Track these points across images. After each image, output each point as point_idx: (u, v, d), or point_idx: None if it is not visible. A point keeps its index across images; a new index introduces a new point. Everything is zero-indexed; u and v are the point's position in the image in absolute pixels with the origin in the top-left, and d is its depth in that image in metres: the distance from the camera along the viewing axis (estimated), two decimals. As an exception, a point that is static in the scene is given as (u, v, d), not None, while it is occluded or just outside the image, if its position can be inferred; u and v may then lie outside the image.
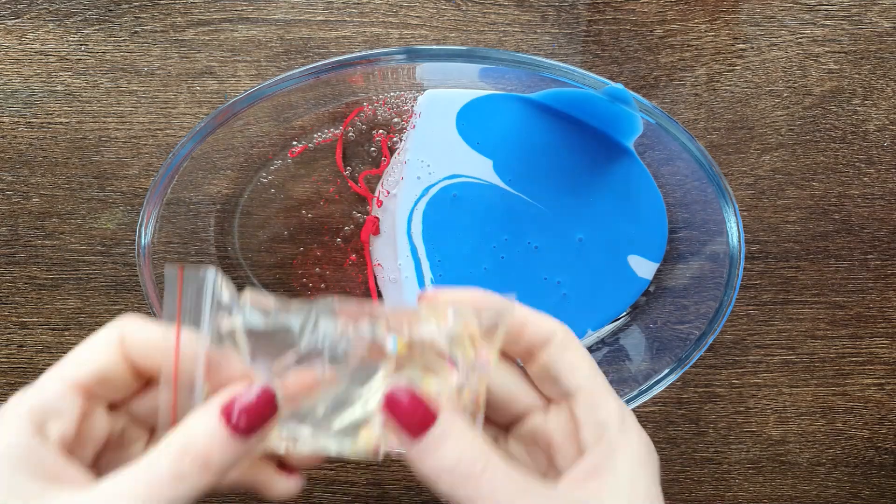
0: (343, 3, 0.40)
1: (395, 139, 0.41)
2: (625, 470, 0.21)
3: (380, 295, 0.43)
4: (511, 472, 0.20)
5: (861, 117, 0.42)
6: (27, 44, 0.41)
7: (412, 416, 0.20)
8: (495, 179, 0.40)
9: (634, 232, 0.41)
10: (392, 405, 0.20)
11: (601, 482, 0.21)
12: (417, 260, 0.41)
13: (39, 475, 0.20)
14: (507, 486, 0.20)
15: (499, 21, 0.41)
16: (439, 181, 0.41)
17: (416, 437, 0.20)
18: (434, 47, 0.36)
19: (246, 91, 0.36)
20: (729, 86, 0.41)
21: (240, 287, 0.43)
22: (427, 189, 0.41)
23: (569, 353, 0.24)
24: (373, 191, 0.42)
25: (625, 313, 0.43)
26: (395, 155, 0.41)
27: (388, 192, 0.41)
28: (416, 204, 0.41)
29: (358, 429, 0.22)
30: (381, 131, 0.41)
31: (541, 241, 0.41)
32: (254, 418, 0.20)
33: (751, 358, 0.45)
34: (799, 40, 0.41)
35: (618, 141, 0.39)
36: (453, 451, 0.20)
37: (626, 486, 0.21)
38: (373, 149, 0.41)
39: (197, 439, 0.20)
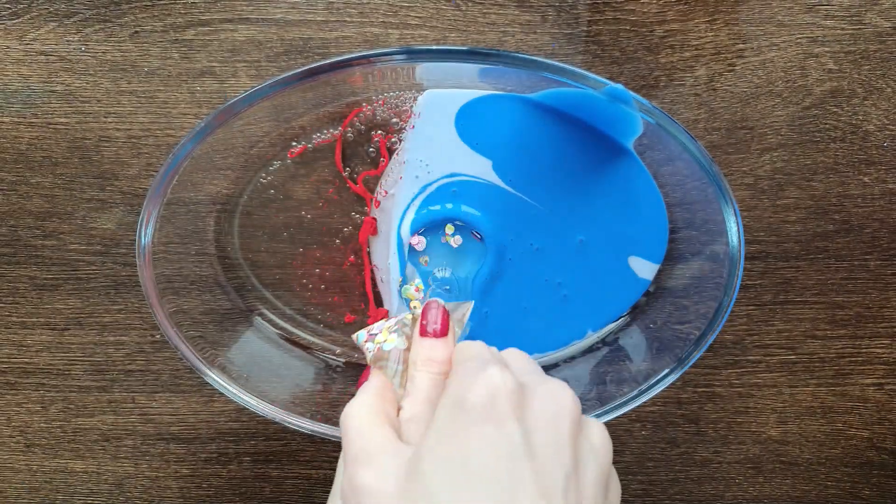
0: (343, 3, 0.40)
1: (393, 139, 0.41)
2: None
3: (377, 296, 0.43)
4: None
5: (861, 117, 0.42)
6: (27, 44, 0.41)
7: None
8: (495, 180, 0.40)
9: (635, 233, 0.41)
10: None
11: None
12: (401, 256, 0.42)
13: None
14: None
15: (499, 21, 0.41)
16: (437, 179, 0.41)
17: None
18: (434, 47, 0.36)
19: (246, 91, 0.36)
20: (729, 86, 0.41)
21: (241, 287, 0.43)
22: (425, 187, 0.41)
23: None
24: (372, 191, 0.42)
25: (625, 314, 0.43)
26: (395, 156, 0.41)
27: (387, 193, 0.41)
28: (412, 201, 0.41)
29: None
30: (379, 132, 0.41)
31: (542, 242, 0.41)
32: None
33: (750, 358, 0.45)
34: (799, 40, 0.41)
35: (618, 141, 0.39)
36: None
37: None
38: (371, 149, 0.41)
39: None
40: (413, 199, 0.41)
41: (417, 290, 0.41)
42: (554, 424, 0.23)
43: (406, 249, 0.41)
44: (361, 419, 0.25)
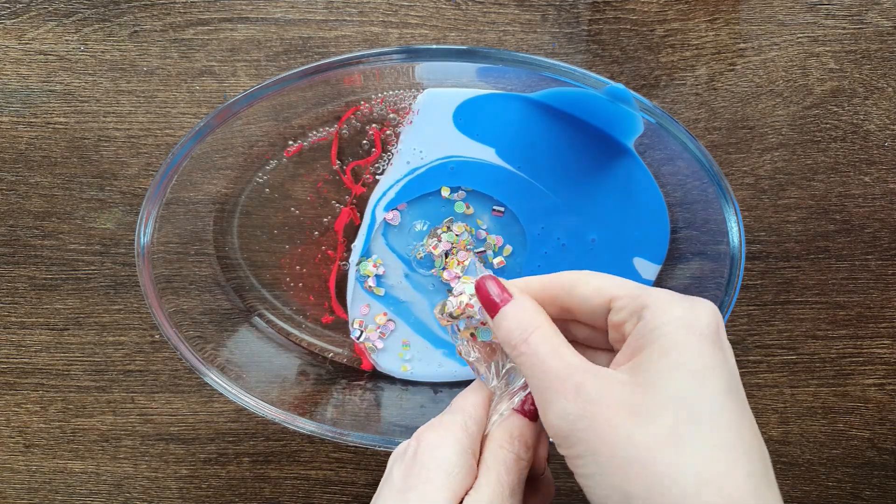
0: (343, 2, 0.40)
1: (388, 132, 0.41)
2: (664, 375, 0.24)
3: (339, 288, 0.43)
4: (551, 339, 0.26)
5: (862, 117, 0.42)
6: (26, 43, 0.41)
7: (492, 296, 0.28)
8: (501, 163, 0.40)
9: (638, 234, 0.41)
10: (480, 290, 0.29)
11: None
12: (369, 233, 0.42)
13: None
14: (545, 346, 0.26)
15: (499, 20, 0.41)
16: (431, 161, 0.40)
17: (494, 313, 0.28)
18: (433, 46, 0.36)
19: (245, 91, 0.36)
20: (729, 85, 0.41)
21: (240, 287, 0.43)
22: (414, 170, 0.40)
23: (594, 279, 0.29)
24: (364, 185, 0.42)
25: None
26: (390, 148, 0.41)
27: (373, 178, 0.41)
28: (396, 182, 0.40)
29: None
30: (374, 126, 0.41)
31: (566, 239, 0.41)
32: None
33: (751, 358, 0.45)
34: (799, 40, 0.41)
35: (618, 141, 0.39)
36: (511, 319, 0.27)
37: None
38: (365, 142, 0.41)
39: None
40: (399, 181, 0.40)
41: (375, 266, 0.42)
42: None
43: (378, 227, 0.41)
44: (546, 345, 0.26)
